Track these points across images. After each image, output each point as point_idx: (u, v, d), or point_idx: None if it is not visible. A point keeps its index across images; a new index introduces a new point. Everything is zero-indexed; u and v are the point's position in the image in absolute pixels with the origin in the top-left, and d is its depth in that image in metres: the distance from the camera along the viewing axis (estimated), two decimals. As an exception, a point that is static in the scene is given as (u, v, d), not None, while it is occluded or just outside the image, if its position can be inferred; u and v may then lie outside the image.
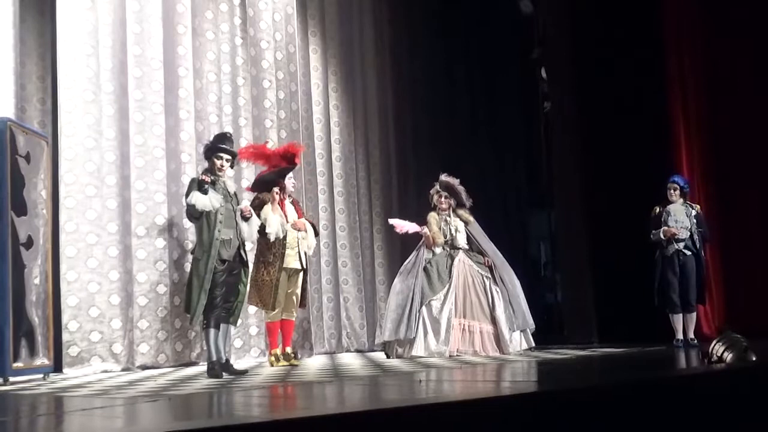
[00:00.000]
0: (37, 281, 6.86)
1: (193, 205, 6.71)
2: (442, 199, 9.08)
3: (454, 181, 9.12)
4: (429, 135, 11.76)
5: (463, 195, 9.14)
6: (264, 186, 8.00)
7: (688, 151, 10.27)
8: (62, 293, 7.57)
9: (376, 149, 11.39)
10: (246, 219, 6.99)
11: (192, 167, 8.50)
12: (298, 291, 8.07)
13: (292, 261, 7.91)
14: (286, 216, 7.92)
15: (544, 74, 11.82)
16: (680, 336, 8.76)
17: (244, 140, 9.34)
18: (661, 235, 8.85)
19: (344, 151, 11.08)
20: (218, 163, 7.01)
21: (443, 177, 9.14)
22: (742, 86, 9.75)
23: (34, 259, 6.83)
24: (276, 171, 7.98)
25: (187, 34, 8.88)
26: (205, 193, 6.73)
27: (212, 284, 6.67)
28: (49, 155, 7.38)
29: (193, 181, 6.94)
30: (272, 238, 7.67)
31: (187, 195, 6.84)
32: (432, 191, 9.17)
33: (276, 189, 7.88)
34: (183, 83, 8.79)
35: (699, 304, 9.01)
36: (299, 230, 8.00)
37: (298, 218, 8.13)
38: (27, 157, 6.84)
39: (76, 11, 8.03)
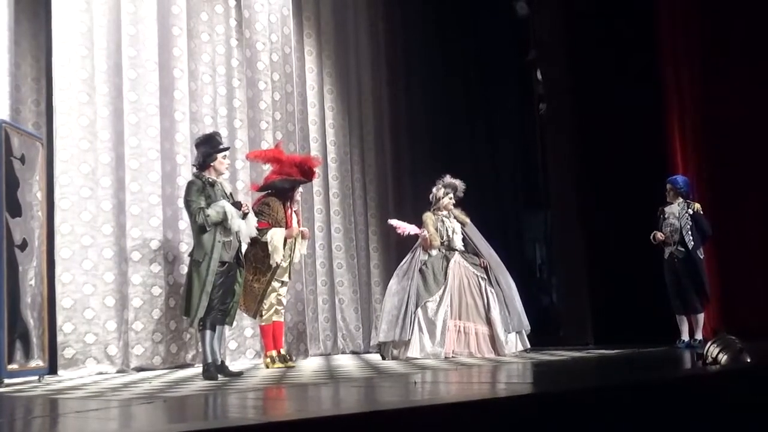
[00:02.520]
0: (32, 283, 6.85)
1: (224, 215, 6.66)
2: (447, 199, 9.05)
3: (460, 185, 9.12)
4: (425, 137, 11.76)
5: (460, 191, 9.17)
6: (277, 192, 8.01)
7: (684, 151, 10.27)
8: (57, 295, 7.56)
9: (372, 151, 11.38)
10: (243, 216, 6.95)
11: (187, 169, 8.48)
12: (284, 292, 8.10)
13: (283, 274, 7.97)
14: (291, 228, 7.96)
15: (539, 76, 11.82)
16: (685, 337, 8.77)
17: (240, 142, 9.35)
18: (651, 239, 8.90)
19: (339, 153, 11.08)
20: (225, 163, 7.03)
21: (451, 179, 9.13)
22: (738, 88, 9.76)
23: (29, 260, 6.82)
24: (291, 180, 8.00)
25: (182, 35, 8.88)
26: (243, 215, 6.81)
27: (211, 286, 6.66)
28: (44, 157, 7.37)
29: (192, 183, 6.85)
30: (273, 264, 7.76)
31: (188, 197, 6.77)
32: (440, 192, 9.10)
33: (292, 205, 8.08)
34: (178, 85, 8.78)
35: (704, 301, 8.97)
36: (305, 238, 8.20)
37: (299, 227, 8.20)
38: (22, 159, 6.83)
39: (71, 13, 8.02)
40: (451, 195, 9.09)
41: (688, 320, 8.87)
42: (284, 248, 7.85)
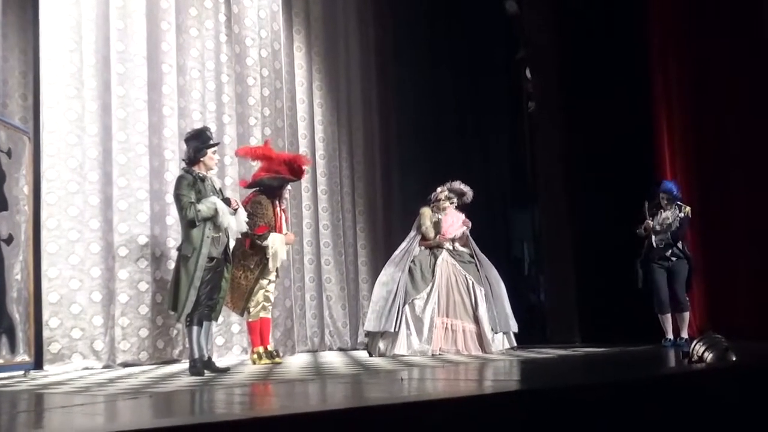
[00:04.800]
0: (18, 277, 6.82)
1: (215, 211, 6.65)
2: (448, 203, 9.08)
3: (468, 192, 9.15)
4: (413, 134, 11.77)
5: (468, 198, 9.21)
6: (265, 190, 8.01)
7: (672, 151, 10.31)
8: (43, 290, 7.53)
9: (360, 148, 11.38)
10: (232, 213, 6.93)
11: (175, 164, 8.46)
12: (272, 288, 8.09)
13: (271, 272, 7.95)
14: (280, 227, 7.96)
15: (528, 74, 11.84)
16: (670, 336, 8.80)
17: (228, 137, 9.33)
18: (642, 230, 8.86)
19: (328, 149, 11.07)
20: (215, 158, 7.02)
21: (460, 185, 9.15)
22: (727, 88, 9.78)
23: (15, 255, 6.79)
24: (280, 178, 8.00)
25: (171, 30, 8.85)
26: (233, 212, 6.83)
27: (200, 281, 6.64)
28: (31, 151, 7.34)
29: (182, 178, 6.81)
30: (272, 268, 7.82)
31: (178, 191, 6.72)
32: (441, 195, 9.09)
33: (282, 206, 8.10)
34: (166, 80, 8.75)
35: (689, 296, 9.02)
36: (287, 244, 8.20)
37: (287, 226, 8.22)
38: (8, 153, 6.81)
39: (59, 6, 7.98)
40: (454, 200, 9.11)
41: (673, 319, 8.89)
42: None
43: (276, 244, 7.80)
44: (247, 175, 8.78)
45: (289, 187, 8.33)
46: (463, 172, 9.89)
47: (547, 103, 11.13)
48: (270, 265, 7.78)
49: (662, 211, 8.97)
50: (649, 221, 8.89)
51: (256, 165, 8.50)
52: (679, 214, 8.94)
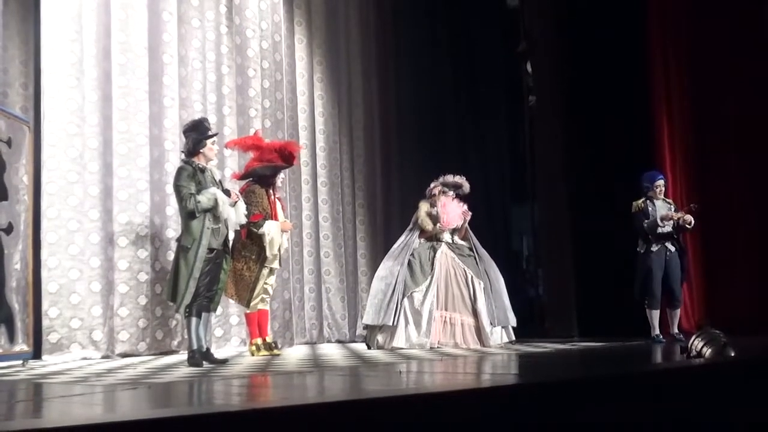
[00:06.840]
0: (17, 267, 6.83)
1: (215, 202, 6.64)
2: (443, 197, 9.09)
3: (464, 183, 9.15)
4: (414, 127, 11.75)
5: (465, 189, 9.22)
6: (257, 179, 7.99)
7: (671, 146, 10.31)
8: (43, 279, 7.53)
9: (360, 140, 11.37)
10: (232, 204, 6.93)
11: (175, 155, 8.45)
12: (271, 282, 8.08)
13: (273, 261, 7.93)
14: (276, 215, 7.95)
15: (529, 68, 11.82)
16: (657, 332, 8.77)
17: (228, 129, 9.31)
18: (659, 221, 8.71)
19: (328, 141, 11.06)
20: (214, 149, 7.01)
21: (453, 178, 9.16)
22: (725, 83, 9.79)
23: (14, 245, 6.80)
24: (271, 166, 7.97)
25: (172, 21, 8.84)
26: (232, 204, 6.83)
27: (199, 273, 6.64)
28: (31, 141, 7.35)
29: (182, 169, 6.80)
30: (269, 255, 7.77)
31: (178, 182, 6.71)
32: (435, 190, 9.10)
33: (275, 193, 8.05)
34: (167, 70, 8.74)
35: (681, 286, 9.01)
36: (285, 231, 8.12)
37: (283, 215, 8.19)
38: (9, 142, 6.81)
39: (61, -4, 7.97)
40: (450, 193, 9.12)
41: (663, 314, 8.85)
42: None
43: (272, 231, 7.77)
44: (248, 167, 8.77)
45: (281, 175, 8.32)
46: (462, 166, 9.89)
47: (548, 97, 11.11)
48: (267, 252, 7.76)
49: (654, 201, 8.90)
50: (670, 214, 8.78)
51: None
52: (672, 206, 8.91)
